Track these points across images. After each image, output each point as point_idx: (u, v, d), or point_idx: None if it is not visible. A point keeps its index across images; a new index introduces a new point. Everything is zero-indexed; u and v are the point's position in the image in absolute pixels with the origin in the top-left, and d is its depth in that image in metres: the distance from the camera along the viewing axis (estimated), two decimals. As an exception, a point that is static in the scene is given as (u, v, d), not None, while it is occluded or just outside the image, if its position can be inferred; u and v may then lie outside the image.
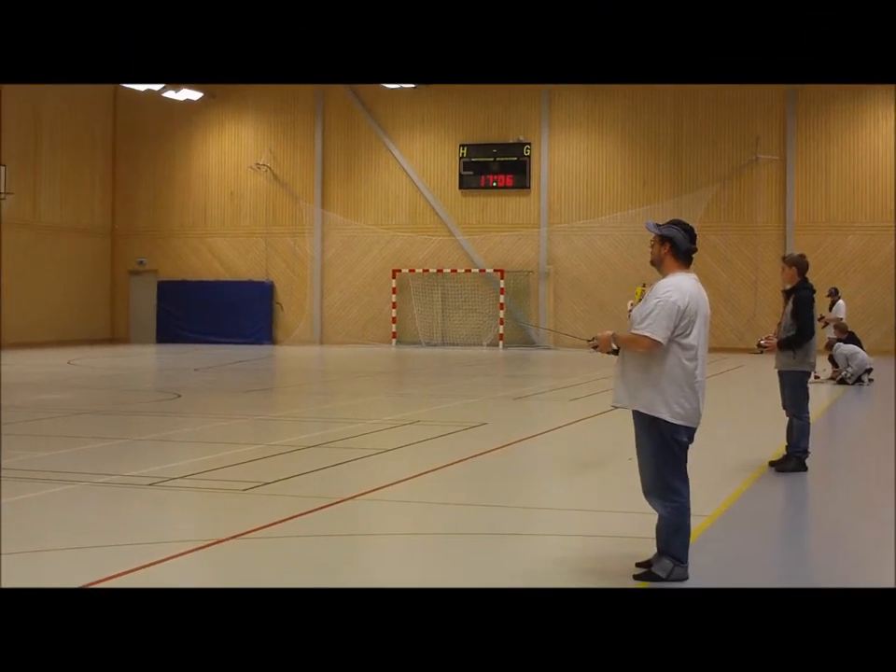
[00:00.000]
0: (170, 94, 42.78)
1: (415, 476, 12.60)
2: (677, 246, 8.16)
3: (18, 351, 37.50)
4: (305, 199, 43.69)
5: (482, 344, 41.12)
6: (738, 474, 12.68)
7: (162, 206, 45.37)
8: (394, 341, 42.07)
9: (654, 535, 8.17)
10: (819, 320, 28.75)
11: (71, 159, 43.64)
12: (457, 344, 41.34)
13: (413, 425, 17.35)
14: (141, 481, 12.11)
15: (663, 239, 8.21)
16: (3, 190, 39.69)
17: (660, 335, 7.86)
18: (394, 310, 42.25)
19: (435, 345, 41.47)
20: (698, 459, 8.55)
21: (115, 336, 44.93)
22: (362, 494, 11.41)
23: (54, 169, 42.79)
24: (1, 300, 35.69)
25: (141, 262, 45.06)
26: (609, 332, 8.23)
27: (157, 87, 42.00)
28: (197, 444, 15.28)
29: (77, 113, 43.66)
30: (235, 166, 44.64)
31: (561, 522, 10.57)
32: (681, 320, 7.91)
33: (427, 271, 42.01)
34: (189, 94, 43.24)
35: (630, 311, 8.26)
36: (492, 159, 41.81)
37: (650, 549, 8.28)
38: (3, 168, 39.90)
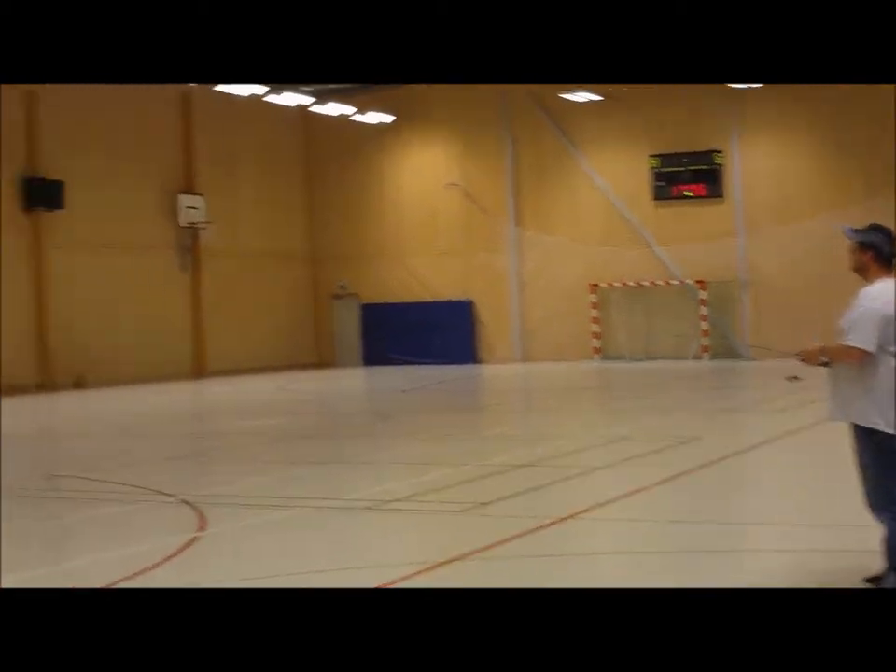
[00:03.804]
0: (359, 117, 43.56)
1: (629, 494, 12.57)
2: (879, 252, 7.99)
3: (226, 378, 38.53)
4: (499, 216, 43.86)
5: (686, 357, 40.65)
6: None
7: (359, 229, 46.00)
8: (596, 356, 41.90)
9: (881, 549, 8.02)
10: None
11: (266, 185, 44.67)
12: (660, 358, 40.91)
13: (622, 441, 17.30)
14: (357, 504, 12.32)
15: (864, 246, 8.05)
16: (203, 220, 40.88)
17: (869, 345, 7.74)
18: (595, 325, 42.09)
19: (638, 360, 41.12)
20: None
21: (321, 360, 45.71)
22: (577, 513, 11.44)
23: (251, 196, 43.84)
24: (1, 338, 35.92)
25: (342, 286, 45.75)
26: (818, 345, 8.11)
27: (348, 110, 42.84)
28: (409, 466, 15.49)
29: (270, 139, 44.65)
30: (428, 186, 45.02)
31: (780, 537, 10.43)
32: (887, 327, 7.77)
33: (626, 284, 41.76)
34: (380, 117, 43.97)
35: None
36: (683, 168, 41.38)
37: (877, 563, 8.13)
38: (202, 198, 41.09)
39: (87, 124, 37.30)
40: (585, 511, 11.58)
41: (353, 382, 37.06)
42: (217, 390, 34.38)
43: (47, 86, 35.65)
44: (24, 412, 29.11)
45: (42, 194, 35.62)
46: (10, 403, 30.98)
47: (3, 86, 35.29)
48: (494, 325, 43.85)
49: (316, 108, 42.53)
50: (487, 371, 39.44)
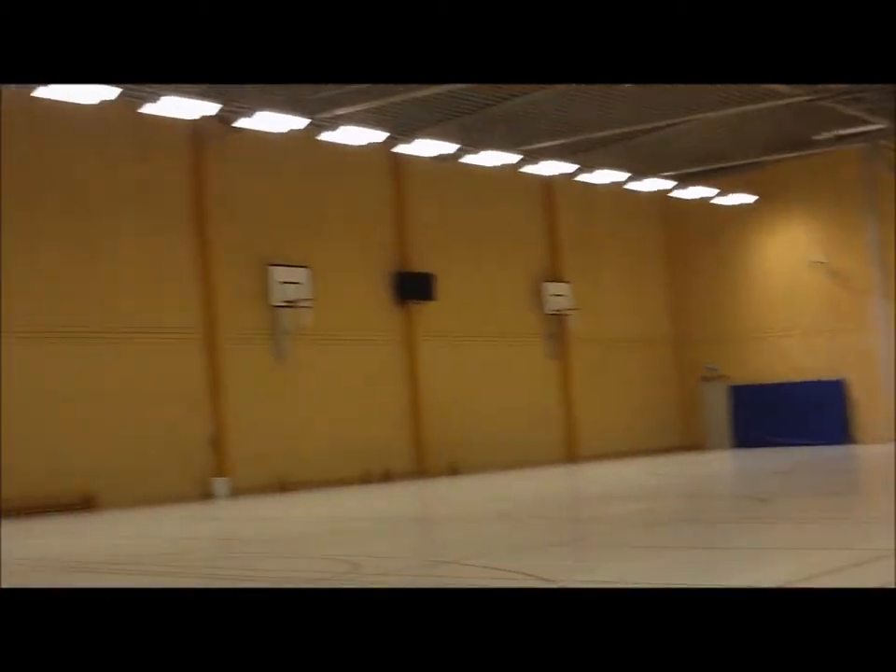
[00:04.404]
0: (719, 200, 43.51)
1: None
2: None
3: (596, 463, 38.81)
4: (866, 292, 42.73)
5: None
6: None
7: (723, 310, 45.75)
8: (978, 434, 40.08)
9: None
10: None
11: (629, 270, 45.12)
12: None
13: None
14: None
15: None
16: (569, 307, 41.53)
17: None
18: (975, 402, 40.37)
19: None
20: None
21: (689, 444, 45.44)
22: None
23: (614, 281, 44.33)
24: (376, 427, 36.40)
25: (712, 368, 45.45)
26: None
27: (709, 193, 42.86)
28: (787, 551, 15.21)
29: (631, 225, 45.14)
30: (791, 265, 44.39)
31: None
32: None
33: None
34: (741, 199, 43.80)
35: None
36: None
37: None
38: (567, 285, 41.77)
39: (454, 217, 38.62)
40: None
41: (724, 465, 36.69)
42: (589, 475, 34.70)
43: (411, 185, 37.16)
44: (403, 497, 30.16)
45: (414, 287, 37.02)
46: (389, 489, 32.20)
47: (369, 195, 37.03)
48: (867, 404, 42.57)
49: (677, 192, 42.70)
50: (862, 451, 38.29)
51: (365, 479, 34.56)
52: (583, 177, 39.47)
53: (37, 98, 26.16)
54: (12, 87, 25.99)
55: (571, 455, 41.41)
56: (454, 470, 36.83)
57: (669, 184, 41.84)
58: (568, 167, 38.35)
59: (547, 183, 41.35)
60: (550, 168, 37.88)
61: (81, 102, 26.64)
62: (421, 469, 36.44)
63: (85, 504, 28.84)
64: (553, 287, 41.66)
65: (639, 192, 42.31)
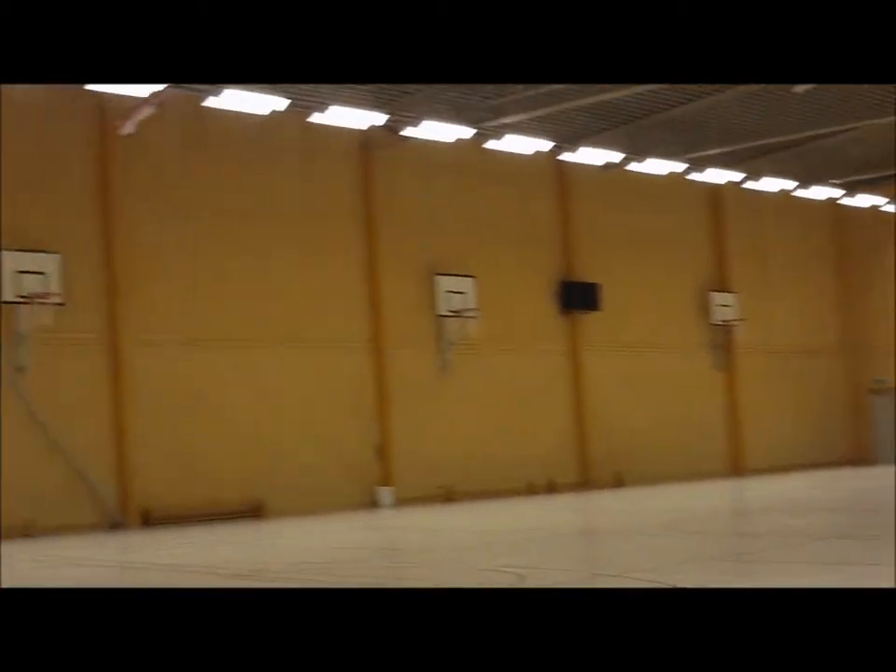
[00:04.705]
0: (891, 208, 42.67)
1: None
2: None
3: (763, 476, 38.29)
4: None
5: None
6: None
7: (894, 321, 44.74)
8: None
9: None
10: None
11: (798, 280, 44.37)
12: None
13: None
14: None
15: None
16: (735, 317, 41.06)
17: None
18: None
19: None
20: None
21: (857, 458, 44.56)
22: None
23: (782, 291, 43.63)
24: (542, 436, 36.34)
25: (881, 381, 44.50)
26: None
27: (879, 201, 42.06)
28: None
29: (800, 234, 44.40)
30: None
31: None
32: None
33: None
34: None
35: None
36: None
37: None
38: (734, 295, 41.29)
39: (619, 226, 38.45)
40: None
41: (891, 480, 35.87)
42: (754, 488, 34.27)
43: (576, 193, 37.08)
44: (568, 509, 30.12)
45: (579, 296, 36.95)
46: (554, 501, 32.19)
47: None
48: None
49: (845, 200, 42.00)
50: None
51: (529, 490, 34.59)
52: (750, 185, 39.06)
53: (205, 107, 26.75)
54: (182, 91, 26.61)
55: (737, 467, 40.90)
56: (619, 482, 36.66)
57: (838, 192, 41.18)
58: (735, 175, 37.99)
59: (713, 191, 40.96)
60: (716, 176, 37.55)
61: (251, 111, 27.17)
62: (585, 481, 36.35)
63: (253, 512, 29.35)
64: (719, 298, 41.22)
65: (808, 200, 41.69)
